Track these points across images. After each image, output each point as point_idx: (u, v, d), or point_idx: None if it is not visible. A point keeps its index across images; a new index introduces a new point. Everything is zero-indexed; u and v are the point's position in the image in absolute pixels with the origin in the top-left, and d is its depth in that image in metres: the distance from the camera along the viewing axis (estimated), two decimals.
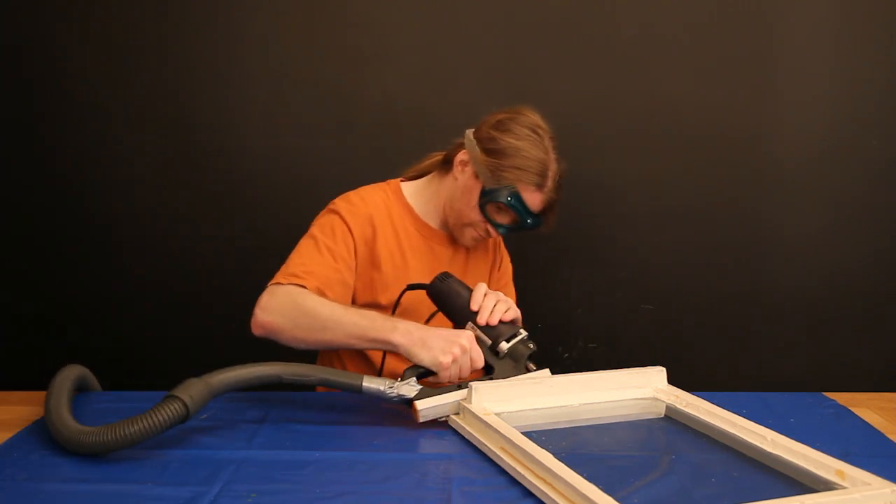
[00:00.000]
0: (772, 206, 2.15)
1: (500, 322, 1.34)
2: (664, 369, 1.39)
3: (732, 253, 2.16)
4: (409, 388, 1.24)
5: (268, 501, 1.01)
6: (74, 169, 2.15)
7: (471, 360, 1.28)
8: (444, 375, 1.27)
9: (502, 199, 1.48)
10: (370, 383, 1.24)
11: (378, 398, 1.25)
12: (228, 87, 2.12)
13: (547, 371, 1.33)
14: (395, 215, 1.58)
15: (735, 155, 2.13)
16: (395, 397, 1.24)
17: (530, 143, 1.49)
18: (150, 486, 1.05)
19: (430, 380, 1.29)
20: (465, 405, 1.25)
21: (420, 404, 1.22)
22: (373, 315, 1.35)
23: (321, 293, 1.42)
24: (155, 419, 1.11)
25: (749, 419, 1.19)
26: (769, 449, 1.12)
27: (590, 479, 0.96)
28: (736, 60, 2.09)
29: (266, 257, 2.16)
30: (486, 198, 1.50)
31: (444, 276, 1.44)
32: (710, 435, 1.21)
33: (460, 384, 1.27)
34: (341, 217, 1.52)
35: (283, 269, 1.47)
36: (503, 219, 1.53)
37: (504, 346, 1.32)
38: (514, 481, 1.06)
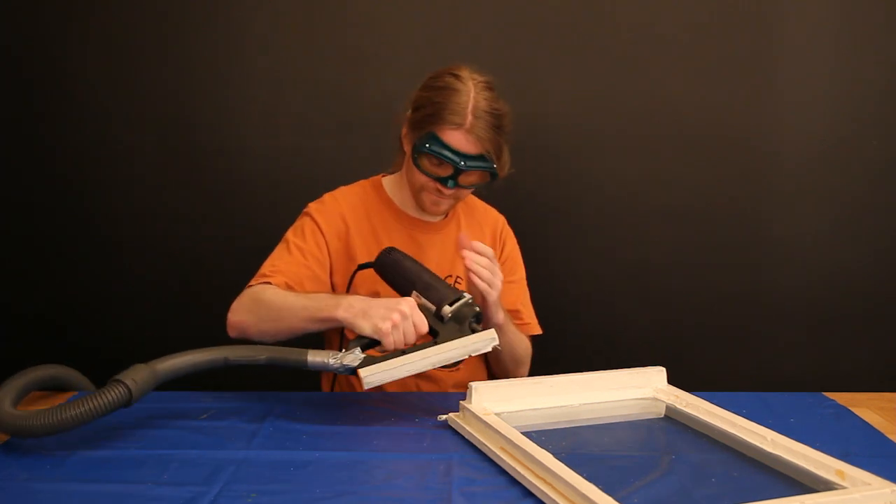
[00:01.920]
0: (772, 206, 2.15)
1: (444, 287, 1.34)
2: (664, 369, 1.39)
3: (732, 253, 2.16)
4: (353, 357, 1.24)
5: (268, 501, 1.01)
6: (74, 169, 2.15)
7: (414, 325, 1.26)
8: (387, 342, 1.26)
9: (425, 148, 1.45)
10: (315, 357, 1.25)
11: (324, 370, 1.26)
12: (228, 87, 2.12)
13: (492, 332, 1.30)
14: (373, 209, 1.61)
15: (735, 155, 2.13)
16: (339, 368, 1.24)
17: (443, 87, 1.46)
18: (150, 486, 1.05)
19: (379, 349, 1.29)
20: (465, 405, 1.25)
21: (363, 372, 1.23)
22: (320, 296, 1.38)
23: (290, 288, 1.46)
24: (95, 402, 1.11)
25: (749, 419, 1.19)
26: (769, 449, 1.12)
27: (590, 479, 0.96)
28: (736, 60, 2.09)
29: (265, 257, 2.17)
30: (415, 153, 1.48)
31: (389, 251, 1.44)
32: (710, 435, 1.21)
33: (405, 350, 1.26)
34: (311, 217, 1.57)
35: (257, 273, 1.53)
36: (439, 170, 1.48)
37: (447, 309, 1.30)
38: (514, 481, 1.06)
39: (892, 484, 0.97)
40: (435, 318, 1.31)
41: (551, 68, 2.10)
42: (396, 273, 1.40)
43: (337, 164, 2.13)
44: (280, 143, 2.14)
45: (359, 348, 1.26)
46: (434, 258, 1.60)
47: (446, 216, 1.65)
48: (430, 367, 1.26)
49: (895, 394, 1.50)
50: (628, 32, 2.09)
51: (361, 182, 1.67)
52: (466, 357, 1.29)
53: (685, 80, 2.10)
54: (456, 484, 1.06)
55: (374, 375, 1.23)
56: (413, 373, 1.26)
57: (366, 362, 1.24)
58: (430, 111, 1.45)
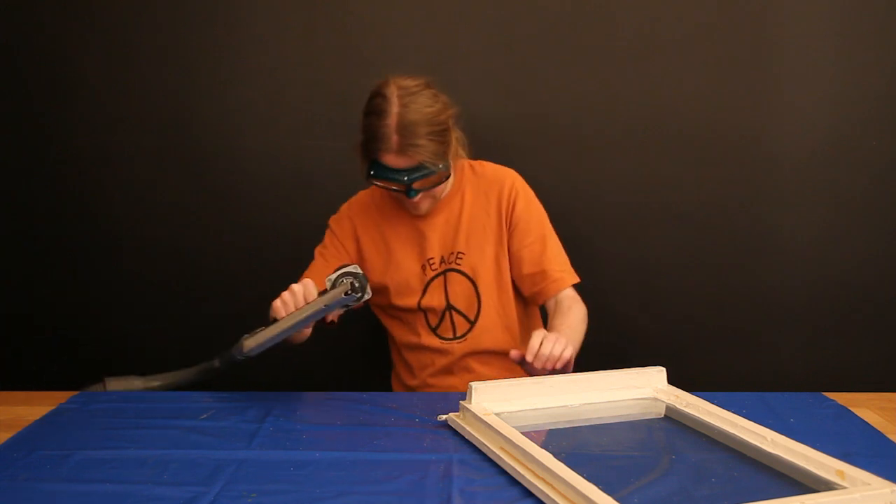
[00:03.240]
0: (772, 206, 2.14)
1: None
2: (664, 369, 1.39)
3: (732, 253, 2.16)
4: (250, 336, 1.44)
5: (268, 501, 1.01)
6: (74, 169, 2.15)
7: (303, 297, 1.41)
8: (278, 314, 1.42)
9: (371, 174, 1.58)
10: (224, 358, 1.47)
11: (233, 363, 1.47)
12: (228, 87, 2.12)
13: (343, 287, 1.38)
14: (381, 208, 1.74)
15: (735, 155, 2.12)
16: (243, 352, 1.44)
17: (370, 112, 1.57)
18: (150, 486, 1.05)
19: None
20: (465, 405, 1.26)
21: (246, 342, 1.43)
22: None
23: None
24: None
25: (749, 419, 1.19)
26: (769, 449, 1.12)
27: (590, 479, 0.96)
28: (736, 60, 2.09)
29: (266, 257, 2.18)
30: (366, 178, 1.60)
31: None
32: (710, 435, 1.21)
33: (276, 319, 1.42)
34: (331, 229, 1.77)
35: None
36: (395, 186, 1.58)
37: (329, 278, 1.40)
38: (514, 481, 1.06)
39: (892, 484, 0.97)
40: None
41: (551, 68, 2.10)
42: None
43: (337, 164, 2.13)
44: (280, 143, 2.14)
45: (260, 329, 1.44)
46: (436, 241, 1.70)
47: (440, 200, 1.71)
48: (295, 324, 1.40)
49: (895, 394, 1.50)
50: (628, 32, 2.09)
51: (364, 192, 1.80)
52: (322, 308, 1.39)
53: (685, 80, 2.10)
54: (456, 484, 1.06)
55: (251, 339, 1.42)
56: (284, 331, 1.41)
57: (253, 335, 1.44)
58: (365, 140, 1.58)
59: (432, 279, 1.70)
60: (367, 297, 1.39)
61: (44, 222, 2.18)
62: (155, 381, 1.52)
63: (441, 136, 1.56)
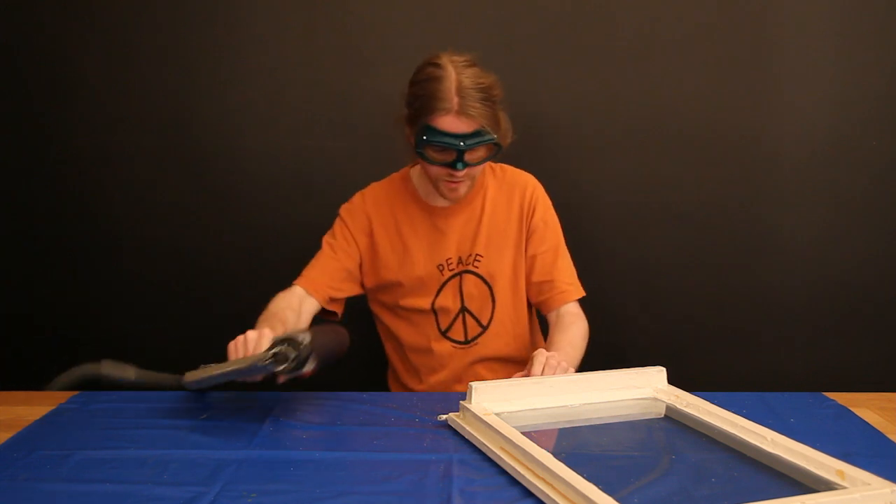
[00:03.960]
0: (772, 206, 2.14)
1: (296, 331, 1.31)
2: (664, 369, 1.39)
3: (732, 253, 2.16)
4: (194, 371, 1.39)
5: (268, 501, 1.01)
6: (74, 169, 2.15)
7: (252, 348, 1.33)
8: (230, 354, 1.36)
9: (423, 140, 1.52)
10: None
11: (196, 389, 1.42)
12: (228, 87, 2.12)
13: (266, 355, 1.24)
14: (398, 202, 1.71)
15: (735, 155, 2.12)
16: (183, 383, 1.40)
17: (425, 79, 1.53)
18: (150, 486, 1.05)
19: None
20: (465, 405, 1.26)
21: (187, 375, 1.38)
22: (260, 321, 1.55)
23: (313, 282, 1.64)
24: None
25: (749, 419, 1.19)
26: (769, 449, 1.12)
27: (590, 479, 0.96)
28: (736, 60, 2.09)
29: (266, 257, 2.18)
30: (418, 147, 1.54)
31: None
32: (710, 435, 1.21)
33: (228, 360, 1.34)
34: (342, 219, 1.72)
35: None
36: (444, 156, 1.54)
37: (281, 336, 1.27)
38: (514, 481, 1.06)
39: (892, 484, 0.97)
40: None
41: (551, 68, 2.10)
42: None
43: (337, 164, 2.13)
44: (280, 143, 2.14)
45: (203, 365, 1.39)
46: (455, 241, 1.68)
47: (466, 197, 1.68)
48: (224, 374, 1.30)
49: (895, 394, 1.50)
50: (628, 32, 2.09)
51: (392, 175, 1.76)
52: (246, 369, 1.27)
53: (685, 80, 2.10)
54: (456, 484, 1.06)
55: (190, 375, 1.37)
56: (214, 377, 1.32)
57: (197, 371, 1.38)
58: (419, 104, 1.52)
59: (448, 280, 1.68)
60: (303, 370, 1.26)
61: (44, 222, 2.18)
62: (144, 377, 1.52)
63: (494, 106, 1.54)
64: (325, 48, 2.11)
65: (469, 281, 1.68)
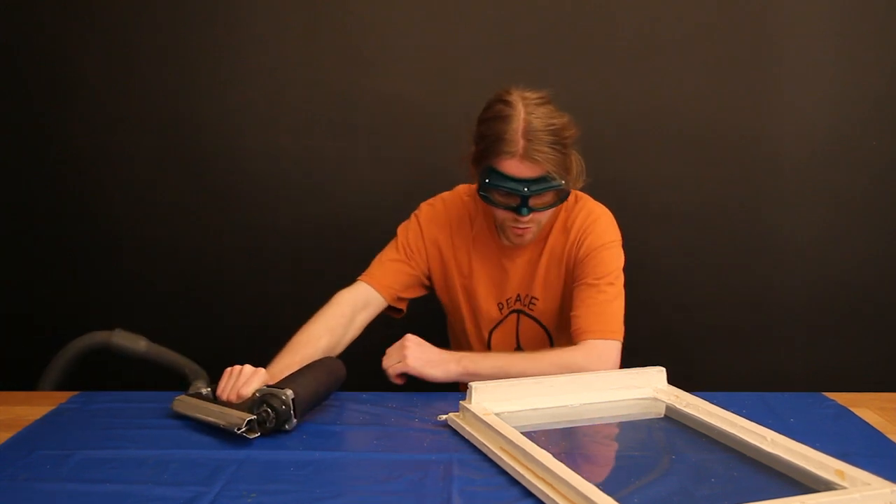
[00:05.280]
0: (772, 206, 2.14)
1: (284, 382, 1.28)
2: (664, 369, 1.39)
3: (732, 253, 2.16)
4: (185, 396, 1.36)
5: (268, 501, 1.01)
6: (74, 169, 2.15)
7: (246, 385, 1.32)
8: (219, 388, 1.35)
9: (486, 183, 1.46)
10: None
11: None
12: (228, 87, 2.12)
13: (243, 419, 1.21)
14: (473, 231, 1.65)
15: (735, 155, 2.12)
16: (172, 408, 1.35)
17: (493, 117, 1.46)
18: (150, 486, 1.05)
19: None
20: (465, 405, 1.26)
21: (177, 398, 1.34)
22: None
23: (377, 281, 1.60)
24: None
25: (749, 419, 1.19)
26: (769, 449, 1.12)
27: (589, 479, 0.96)
28: (736, 60, 2.09)
29: (266, 257, 2.18)
30: (481, 190, 1.50)
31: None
32: (710, 435, 1.21)
33: (218, 399, 1.32)
34: (418, 220, 1.66)
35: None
36: (508, 200, 1.48)
37: (264, 389, 1.25)
38: (514, 481, 1.06)
39: (892, 484, 0.97)
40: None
41: (551, 68, 2.10)
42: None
43: (337, 164, 2.13)
44: (280, 143, 2.14)
45: (206, 389, 1.38)
46: (516, 281, 1.63)
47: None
48: (205, 417, 1.27)
49: (895, 394, 1.50)
50: (628, 32, 2.09)
51: (465, 192, 1.68)
52: (222, 426, 1.23)
53: (685, 80, 2.10)
54: (456, 484, 1.06)
55: (179, 404, 1.33)
56: (197, 418, 1.28)
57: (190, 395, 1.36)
58: (484, 145, 1.46)
59: (504, 318, 1.65)
60: (283, 427, 1.24)
61: (44, 222, 2.18)
62: (154, 351, 1.52)
63: (565, 150, 1.46)
64: (325, 48, 2.11)
65: (525, 323, 1.65)
